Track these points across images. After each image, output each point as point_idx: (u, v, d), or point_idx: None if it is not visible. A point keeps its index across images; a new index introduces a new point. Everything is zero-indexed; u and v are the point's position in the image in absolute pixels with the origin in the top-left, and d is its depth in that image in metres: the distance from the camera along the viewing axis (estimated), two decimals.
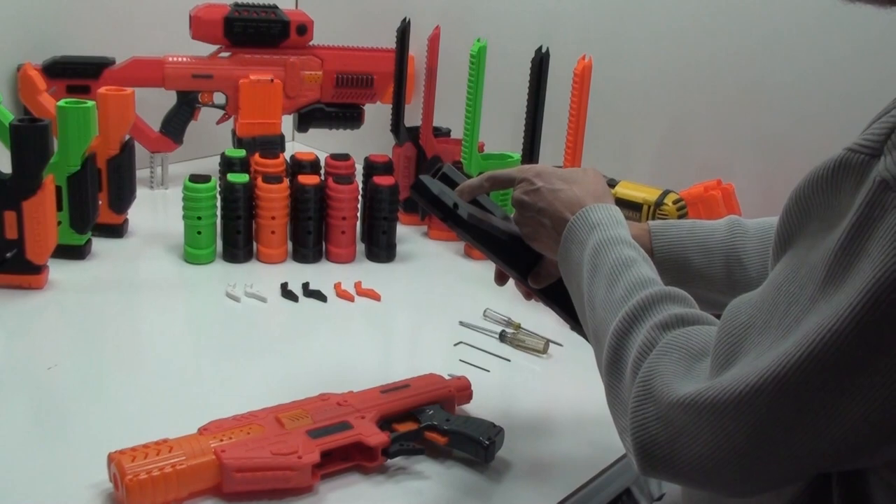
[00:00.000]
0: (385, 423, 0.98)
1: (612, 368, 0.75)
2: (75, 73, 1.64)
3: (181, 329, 1.29)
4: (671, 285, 0.99)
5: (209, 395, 1.07)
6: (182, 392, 1.08)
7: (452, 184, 1.02)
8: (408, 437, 0.97)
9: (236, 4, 1.70)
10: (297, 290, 1.36)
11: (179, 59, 1.70)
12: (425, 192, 0.97)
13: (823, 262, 0.58)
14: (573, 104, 1.42)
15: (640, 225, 1.00)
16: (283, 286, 1.36)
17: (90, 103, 1.36)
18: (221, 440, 0.90)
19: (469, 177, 1.06)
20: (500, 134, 1.61)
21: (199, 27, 1.68)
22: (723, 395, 0.62)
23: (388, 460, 0.95)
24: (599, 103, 1.46)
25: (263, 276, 1.40)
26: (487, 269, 1.51)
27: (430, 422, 0.99)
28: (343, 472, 0.94)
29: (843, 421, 0.58)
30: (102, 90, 1.44)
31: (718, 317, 0.69)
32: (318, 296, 1.36)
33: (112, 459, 0.87)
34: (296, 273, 1.42)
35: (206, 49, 1.72)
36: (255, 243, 1.47)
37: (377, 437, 0.94)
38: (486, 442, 0.96)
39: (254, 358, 1.19)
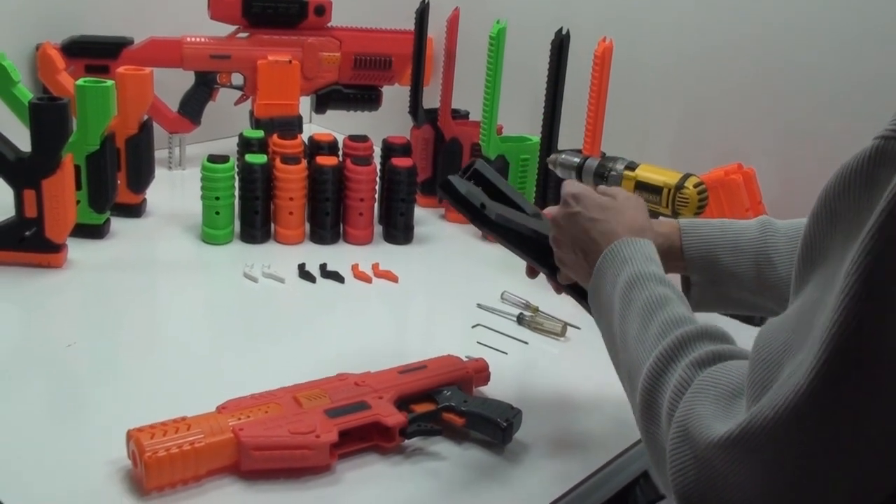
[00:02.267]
0: (402, 403, 0.97)
1: (647, 411, 0.72)
2: (94, 53, 1.64)
3: (199, 309, 1.29)
4: (701, 284, 0.97)
5: (227, 375, 1.07)
6: (200, 371, 1.09)
7: (485, 181, 1.00)
8: (425, 417, 0.97)
9: None
10: (315, 271, 1.36)
11: (197, 40, 1.70)
12: (453, 191, 0.97)
13: (854, 262, 0.54)
14: (593, 86, 1.41)
15: (670, 222, 0.99)
16: (301, 267, 1.36)
17: (109, 83, 1.36)
18: (239, 419, 0.90)
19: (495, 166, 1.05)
20: (519, 116, 1.60)
21: (217, 7, 1.67)
22: (759, 424, 0.58)
23: (406, 441, 0.95)
24: (620, 86, 1.45)
25: (281, 257, 1.40)
26: (505, 251, 1.51)
27: (447, 403, 0.98)
28: (360, 451, 0.94)
29: (886, 422, 0.54)
30: (121, 70, 1.44)
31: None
32: (336, 277, 1.36)
33: (131, 436, 0.87)
34: (313, 254, 1.42)
35: (224, 29, 1.71)
36: (272, 224, 1.47)
37: (395, 418, 0.94)
38: (504, 423, 0.96)
39: (271, 338, 1.19)
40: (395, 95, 1.81)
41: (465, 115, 1.66)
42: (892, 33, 1.25)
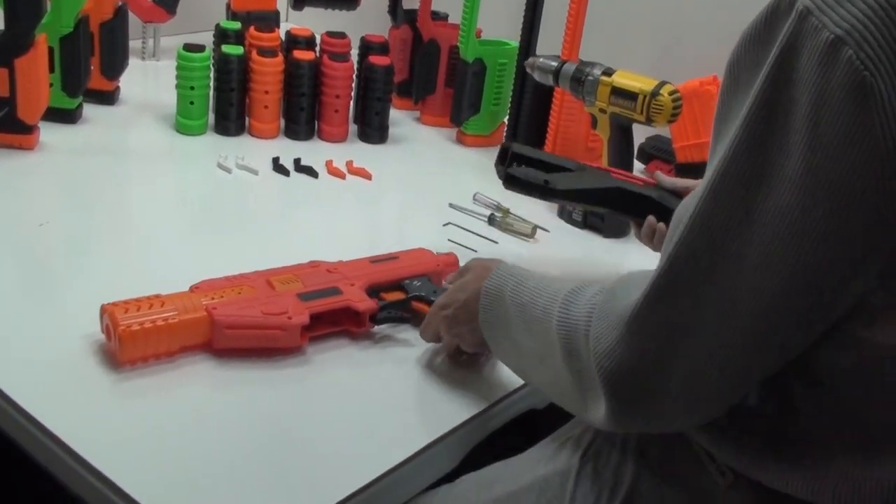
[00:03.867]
0: (373, 291, 0.99)
1: (568, 353, 0.71)
2: None
3: (171, 196, 1.29)
4: None
5: (199, 260, 1.08)
6: (172, 255, 1.10)
7: (526, 159, 1.09)
8: (395, 305, 0.99)
9: None
10: (289, 165, 1.36)
11: None
12: (519, 182, 1.08)
13: (745, 111, 0.57)
14: None
15: None
16: (275, 160, 1.36)
17: None
18: (213, 298, 0.91)
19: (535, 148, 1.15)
20: (499, 20, 1.59)
21: None
22: (671, 268, 0.61)
23: (375, 327, 0.97)
24: None
25: (255, 150, 1.40)
26: (479, 154, 1.52)
27: (417, 293, 1.00)
28: (331, 335, 0.96)
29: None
30: None
31: None
32: (310, 171, 1.36)
33: (105, 311, 0.88)
34: (287, 149, 1.42)
35: None
36: (247, 117, 1.46)
37: (366, 304, 0.96)
38: None
39: (244, 227, 1.20)
40: None
41: (445, 17, 1.65)
42: None
